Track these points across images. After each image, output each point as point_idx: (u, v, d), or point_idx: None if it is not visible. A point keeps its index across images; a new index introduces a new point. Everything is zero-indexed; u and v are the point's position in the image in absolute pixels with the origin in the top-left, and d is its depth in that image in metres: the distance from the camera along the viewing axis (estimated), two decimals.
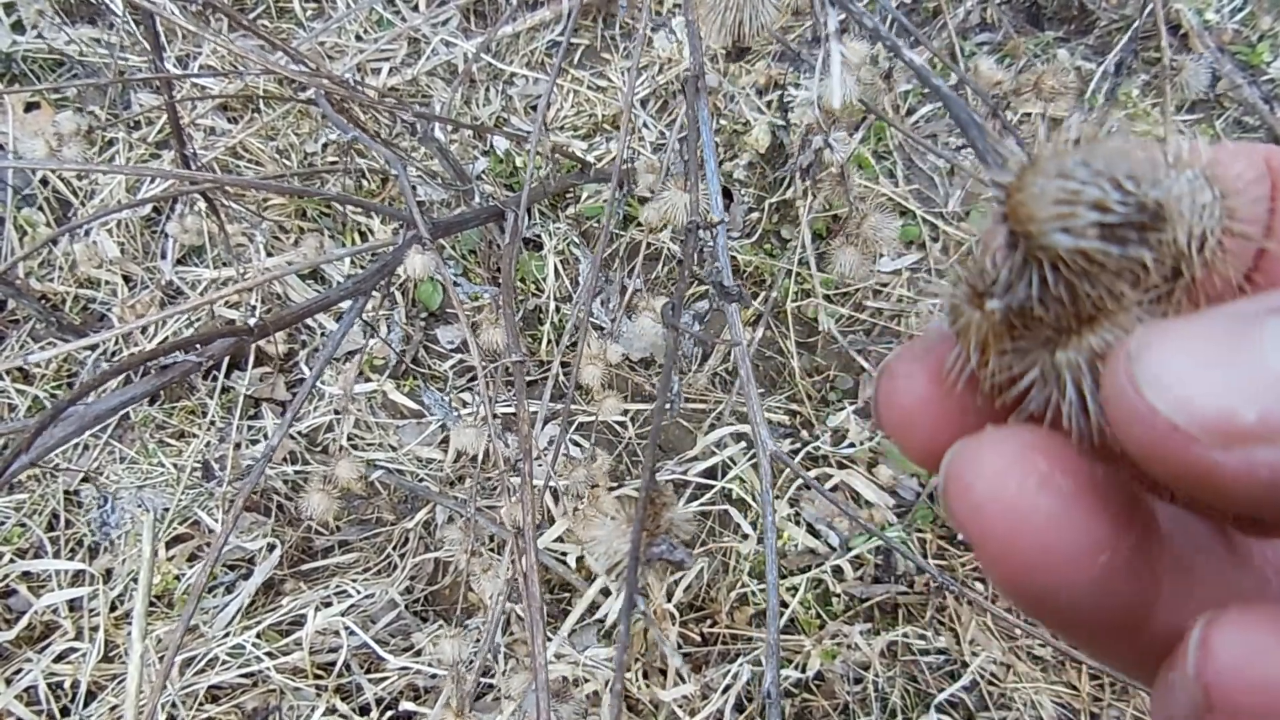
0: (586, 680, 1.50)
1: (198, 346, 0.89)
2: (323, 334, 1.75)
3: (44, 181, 1.80)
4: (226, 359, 1.69)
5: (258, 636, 1.53)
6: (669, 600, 1.56)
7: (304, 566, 1.63)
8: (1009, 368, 0.23)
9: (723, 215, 0.49)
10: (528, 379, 1.72)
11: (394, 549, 1.64)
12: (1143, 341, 0.20)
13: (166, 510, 1.61)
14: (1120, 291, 0.22)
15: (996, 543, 0.22)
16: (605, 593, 1.55)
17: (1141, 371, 0.20)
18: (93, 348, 1.70)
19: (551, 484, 1.55)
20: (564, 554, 1.57)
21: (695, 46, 0.59)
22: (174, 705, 1.48)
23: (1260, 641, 0.20)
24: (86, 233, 1.77)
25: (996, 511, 0.22)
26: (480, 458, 1.22)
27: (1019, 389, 0.24)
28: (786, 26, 1.83)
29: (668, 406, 1.53)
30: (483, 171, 1.85)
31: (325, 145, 1.85)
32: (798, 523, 1.63)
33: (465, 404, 1.71)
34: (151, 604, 1.55)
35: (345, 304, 1.04)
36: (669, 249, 1.77)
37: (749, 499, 1.64)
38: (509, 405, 1.63)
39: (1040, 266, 0.21)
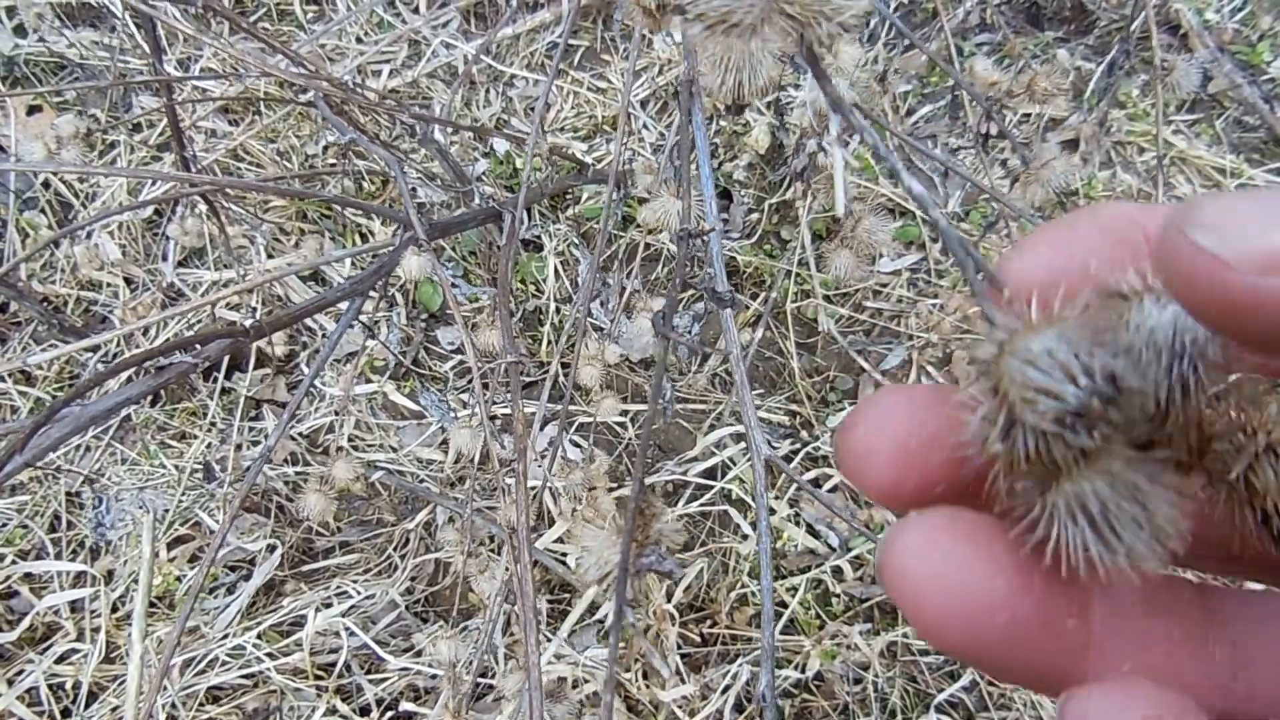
0: (586, 681, 1.50)
1: (197, 346, 0.89)
2: (323, 335, 1.76)
3: (46, 184, 1.81)
4: (227, 360, 1.70)
5: (258, 637, 1.53)
6: (669, 600, 1.56)
7: (305, 567, 1.64)
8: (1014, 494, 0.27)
9: (716, 223, 0.49)
10: (529, 380, 1.73)
11: (394, 550, 1.65)
12: (1193, 202, 0.23)
13: (167, 511, 1.62)
14: (1102, 443, 0.24)
15: (915, 610, 0.26)
16: (633, 605, 1.55)
17: (1191, 220, 0.22)
18: (94, 349, 1.71)
19: (550, 485, 1.56)
20: (563, 555, 1.57)
21: (691, 52, 0.59)
22: (174, 706, 1.48)
23: (1103, 712, 0.24)
24: (88, 235, 1.77)
25: (911, 584, 0.26)
26: (479, 458, 1.22)
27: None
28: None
29: (661, 410, 1.54)
30: (483, 173, 1.85)
31: (326, 147, 1.85)
32: (797, 523, 1.63)
33: (465, 405, 1.71)
34: (153, 605, 1.55)
35: (344, 305, 1.04)
36: (668, 249, 1.77)
37: (749, 499, 1.64)
38: (507, 406, 1.63)
39: (1022, 430, 0.24)
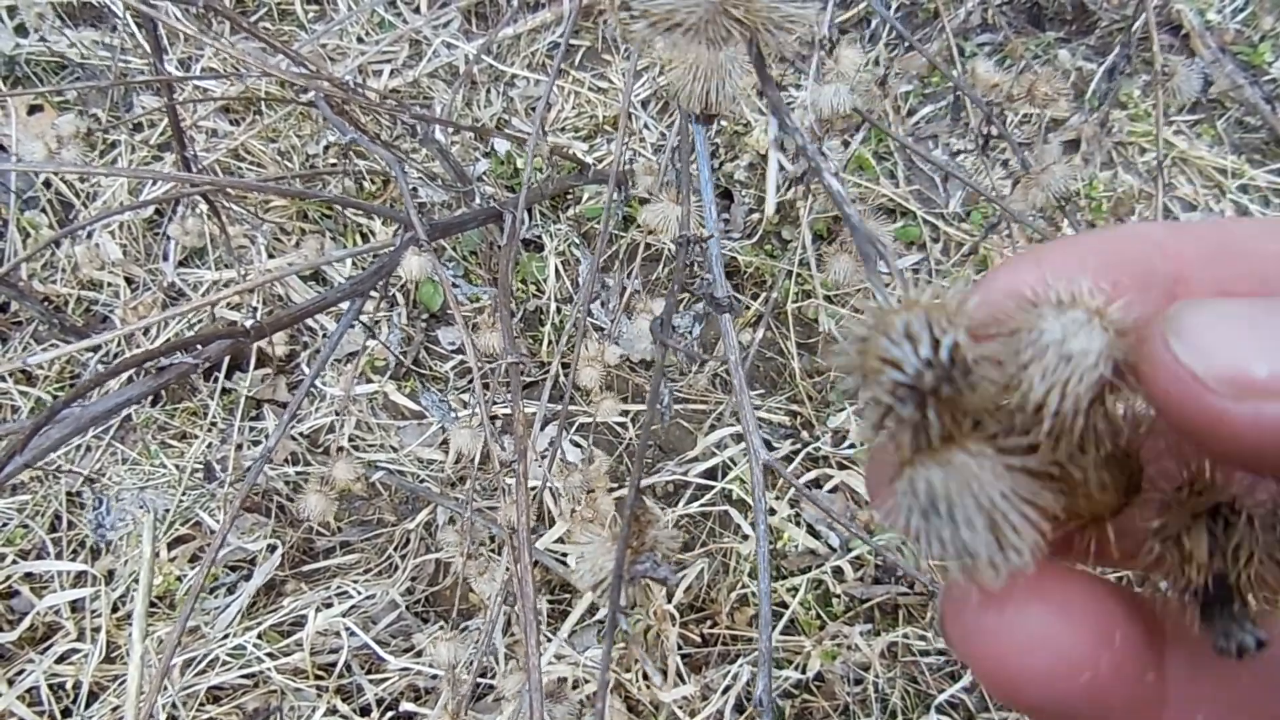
0: (587, 681, 1.50)
1: (198, 346, 0.89)
2: (324, 335, 1.76)
3: (47, 184, 1.81)
4: (227, 360, 1.70)
5: (259, 637, 1.53)
6: (669, 601, 1.56)
7: (305, 567, 1.64)
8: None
9: (715, 229, 0.49)
10: (529, 380, 1.73)
11: (395, 550, 1.65)
12: (1180, 307, 0.23)
13: (168, 511, 1.62)
14: (951, 430, 0.24)
15: (987, 669, 0.25)
16: (626, 612, 1.55)
17: (1173, 328, 0.22)
18: (95, 349, 1.71)
19: (550, 485, 1.56)
20: (564, 555, 1.57)
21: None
22: (175, 706, 1.48)
23: None
24: (89, 235, 1.77)
25: (982, 642, 0.25)
26: (480, 459, 1.22)
27: None
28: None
29: (660, 416, 1.54)
30: (484, 173, 1.85)
31: (327, 147, 1.85)
32: (798, 523, 1.63)
33: (465, 405, 1.71)
34: (153, 605, 1.55)
35: (344, 305, 1.04)
36: (669, 249, 1.77)
37: (749, 500, 1.64)
38: (507, 406, 1.63)
39: (871, 404, 0.24)
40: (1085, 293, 0.24)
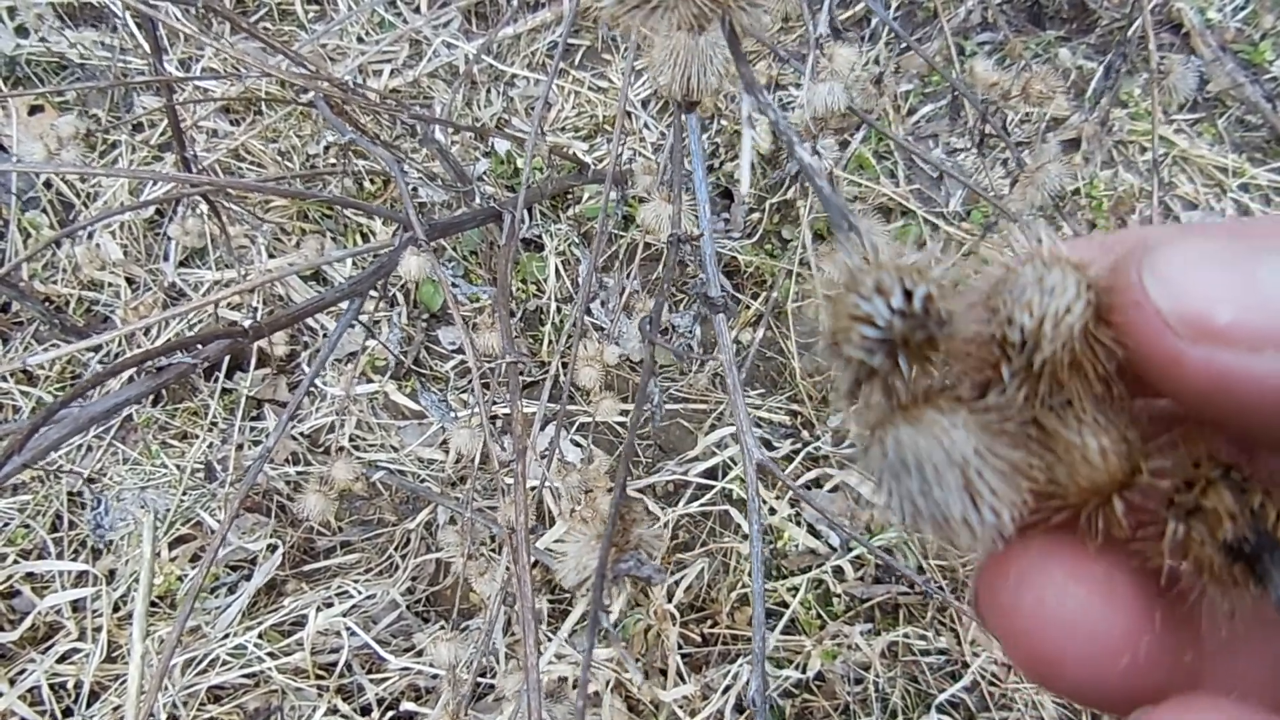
0: (588, 681, 1.50)
1: (198, 346, 0.89)
2: (324, 335, 1.76)
3: (47, 184, 1.81)
4: (228, 360, 1.70)
5: (259, 637, 1.53)
6: (669, 600, 1.56)
7: (306, 567, 1.64)
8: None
9: (708, 228, 0.49)
10: (529, 380, 1.73)
11: (395, 550, 1.65)
12: (1159, 238, 0.22)
13: (168, 511, 1.62)
14: (925, 391, 0.23)
15: (1022, 650, 0.24)
16: (606, 610, 1.55)
17: (1149, 261, 0.21)
18: (96, 349, 1.71)
19: (550, 485, 1.56)
20: (565, 555, 1.57)
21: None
22: (176, 705, 1.48)
23: None
24: (90, 235, 1.78)
25: (1018, 621, 0.24)
26: (480, 458, 1.22)
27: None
28: (788, 27, 1.83)
29: (651, 415, 1.54)
30: (484, 173, 1.85)
31: (327, 147, 1.85)
32: (799, 523, 1.63)
33: (466, 405, 1.71)
34: (154, 605, 1.56)
35: (344, 305, 1.04)
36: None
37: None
38: (508, 406, 1.63)
39: (843, 362, 0.23)
40: (1056, 249, 0.23)
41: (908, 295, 0.22)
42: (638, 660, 1.52)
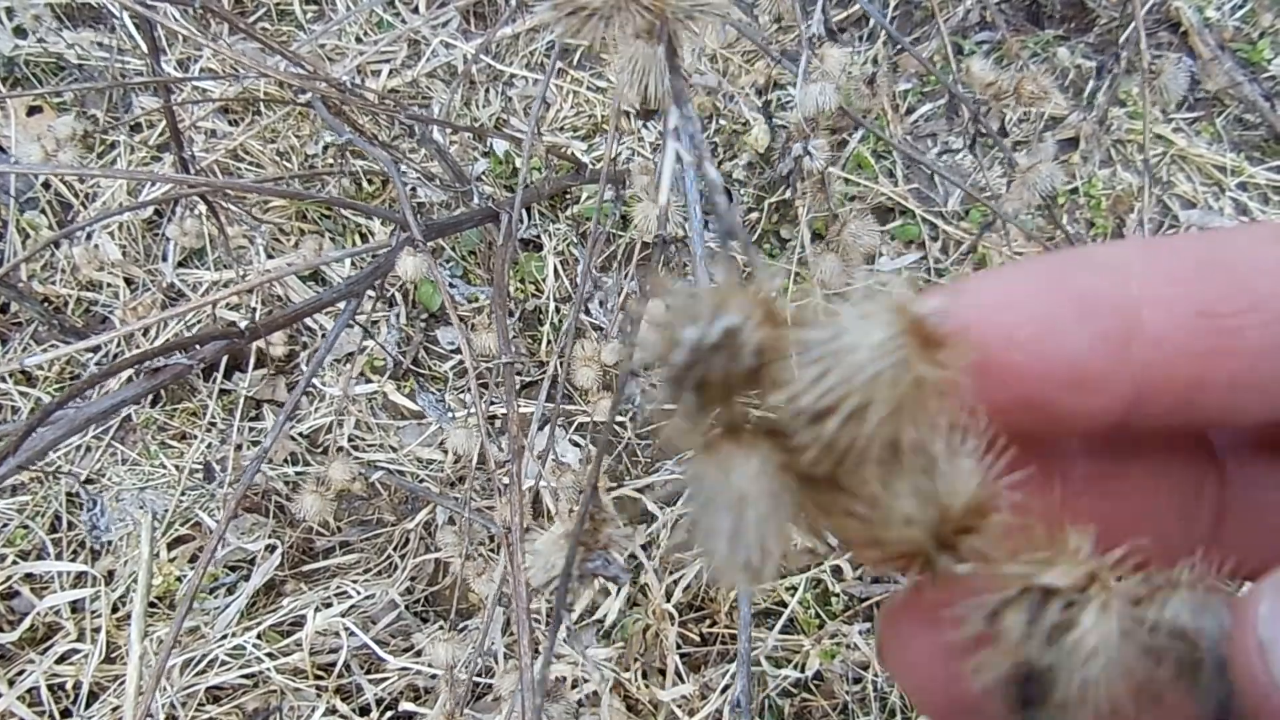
0: (586, 680, 1.50)
1: (196, 346, 0.89)
2: (323, 336, 1.76)
3: (46, 185, 1.81)
4: (226, 360, 1.70)
5: (258, 637, 1.53)
6: (668, 600, 1.56)
7: (305, 567, 1.64)
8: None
9: (698, 229, 0.49)
10: (528, 380, 1.73)
11: (394, 550, 1.65)
12: (1273, 628, 0.21)
13: (167, 511, 1.62)
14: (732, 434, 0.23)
15: (911, 694, 0.26)
16: (604, 592, 1.55)
17: (1268, 635, 0.21)
18: (94, 350, 1.71)
19: (547, 485, 1.56)
20: (534, 554, 1.57)
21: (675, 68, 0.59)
22: (175, 706, 1.48)
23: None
24: (88, 236, 1.78)
25: (901, 667, 0.26)
26: (478, 459, 1.22)
27: None
28: (786, 27, 1.83)
29: (632, 415, 1.54)
30: (483, 173, 1.85)
31: (326, 147, 1.85)
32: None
33: (464, 405, 1.71)
34: (154, 605, 1.56)
35: (342, 305, 1.04)
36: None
37: None
38: (505, 406, 1.63)
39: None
40: (896, 296, 0.22)
41: (701, 335, 0.21)
42: (637, 659, 1.52)
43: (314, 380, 1.71)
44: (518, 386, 1.71)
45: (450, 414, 1.65)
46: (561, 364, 0.94)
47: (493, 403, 1.61)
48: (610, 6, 0.27)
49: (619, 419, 1.70)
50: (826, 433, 0.21)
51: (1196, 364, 0.24)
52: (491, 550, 1.56)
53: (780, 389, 0.22)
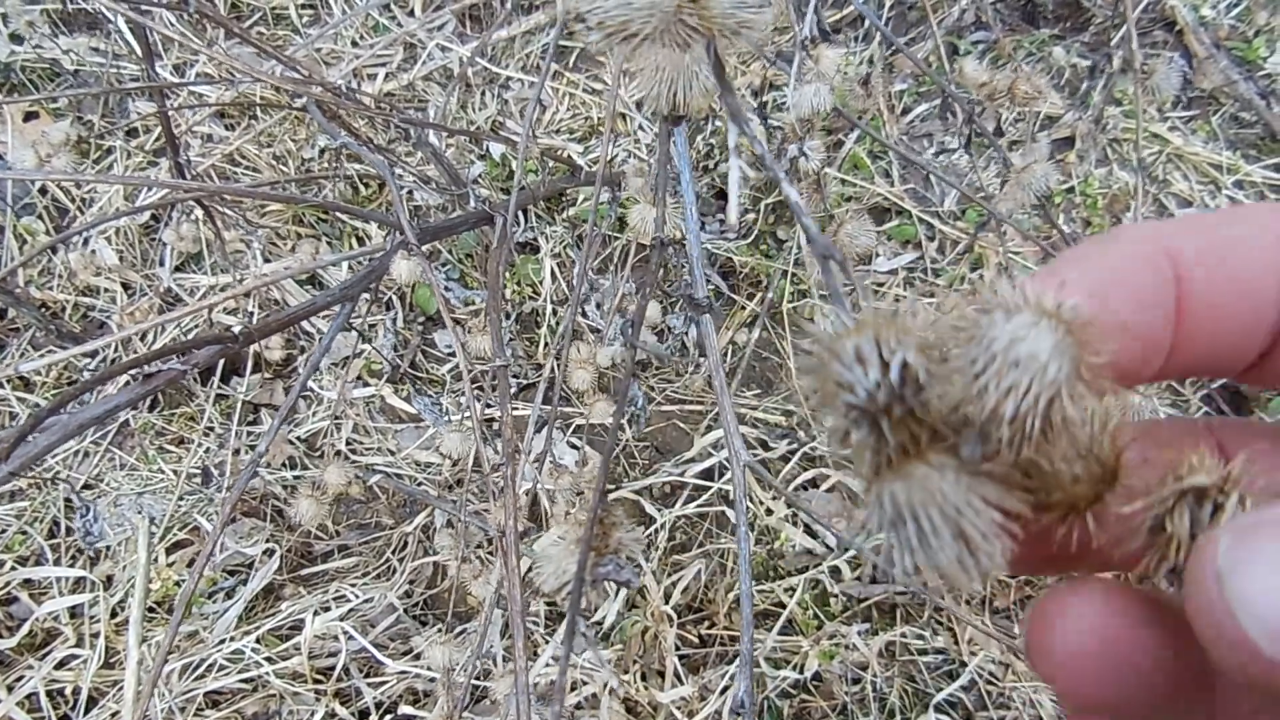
0: (584, 683, 1.50)
1: (192, 351, 0.89)
2: (320, 339, 1.76)
3: (43, 190, 1.81)
4: (223, 365, 1.70)
5: (257, 641, 1.53)
6: (667, 602, 1.56)
7: (303, 571, 1.64)
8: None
9: (694, 231, 0.49)
10: (525, 383, 1.73)
11: (393, 553, 1.65)
12: (1231, 559, 0.22)
13: (165, 516, 1.62)
14: (910, 446, 0.24)
15: (1060, 685, 0.26)
16: (586, 615, 1.55)
17: (1232, 592, 0.22)
18: (92, 355, 1.71)
19: (544, 488, 1.56)
20: (545, 560, 1.57)
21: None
22: (174, 711, 1.48)
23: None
24: (85, 241, 1.78)
25: (1059, 660, 0.26)
26: (474, 462, 1.22)
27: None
28: (781, 28, 1.83)
29: (634, 419, 1.54)
30: (479, 176, 1.85)
31: (322, 151, 1.85)
32: (795, 523, 1.63)
33: (460, 407, 1.71)
34: (152, 610, 1.56)
35: (337, 309, 1.04)
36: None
37: (747, 500, 1.64)
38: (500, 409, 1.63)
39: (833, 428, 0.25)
40: (1034, 295, 0.24)
41: (885, 366, 0.23)
42: (636, 661, 1.52)
43: (311, 384, 1.71)
44: (515, 389, 1.71)
45: (447, 417, 1.65)
46: (558, 366, 0.94)
47: (489, 406, 1.61)
48: (659, 31, 0.28)
49: (612, 422, 1.69)
50: (1029, 430, 0.23)
51: None
52: (489, 553, 1.56)
53: (957, 402, 0.24)
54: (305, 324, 1.75)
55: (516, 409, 1.65)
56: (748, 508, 1.67)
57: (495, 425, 1.69)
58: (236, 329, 0.81)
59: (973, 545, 0.23)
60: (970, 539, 0.23)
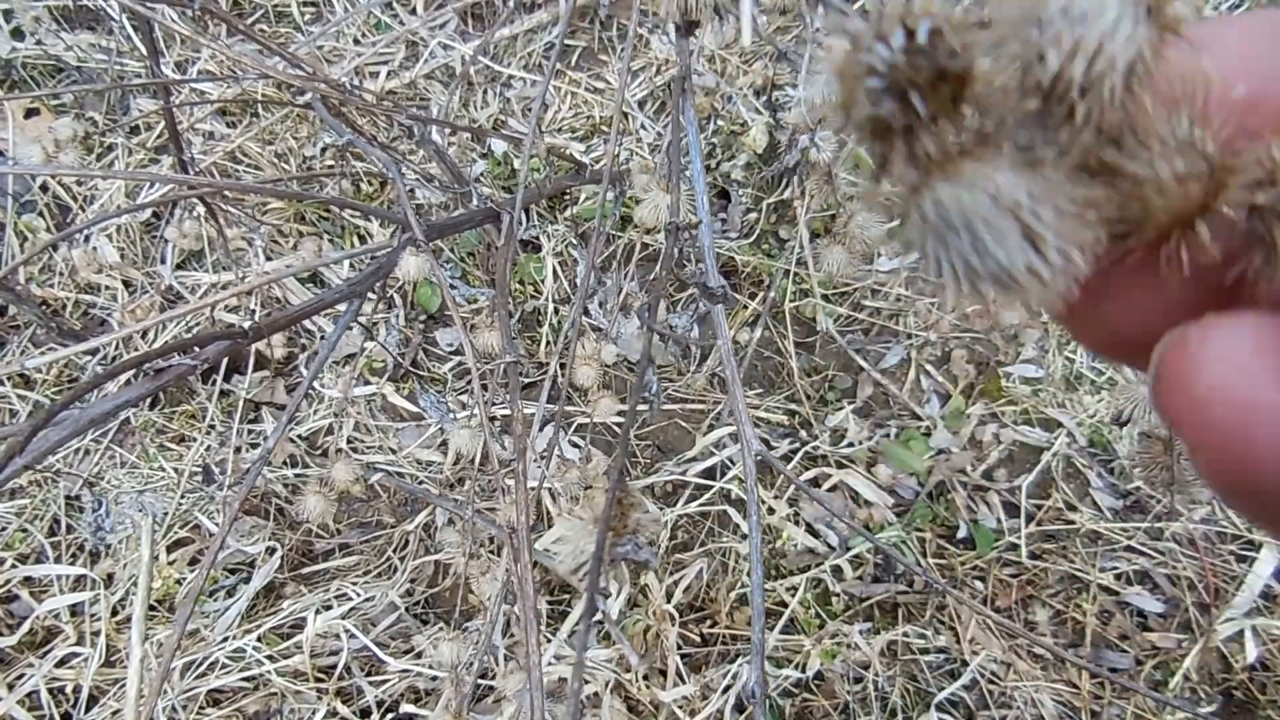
0: (588, 681, 1.50)
1: (197, 348, 0.89)
2: (322, 337, 1.76)
3: (44, 187, 1.81)
4: (225, 363, 1.70)
5: (258, 640, 1.53)
6: (669, 601, 1.56)
7: (304, 570, 1.64)
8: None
9: (706, 216, 0.49)
10: (528, 381, 1.73)
11: (394, 551, 1.65)
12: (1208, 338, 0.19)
13: (166, 514, 1.62)
14: (964, 143, 0.20)
15: (1221, 440, 0.20)
16: (604, 594, 1.55)
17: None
18: (93, 352, 1.71)
19: (549, 485, 1.56)
20: (563, 540, 1.57)
21: (682, 49, 0.59)
22: (175, 709, 1.48)
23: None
24: (86, 238, 1.77)
25: (1223, 408, 0.20)
26: (478, 459, 1.22)
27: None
28: (782, 27, 1.83)
29: (648, 405, 1.54)
30: (481, 174, 1.85)
31: (324, 149, 1.85)
32: (797, 522, 1.63)
33: (464, 406, 1.71)
34: (153, 608, 1.55)
35: (341, 307, 1.04)
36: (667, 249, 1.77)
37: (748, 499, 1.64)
38: (506, 407, 1.63)
39: (853, 114, 0.20)
40: None
41: (910, 33, 0.19)
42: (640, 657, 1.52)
43: (313, 382, 1.71)
44: (519, 386, 1.71)
45: (452, 415, 1.65)
46: (564, 364, 0.94)
47: (493, 403, 1.61)
48: None
49: (616, 420, 1.69)
50: (1108, 97, 0.19)
51: None
52: (491, 552, 1.56)
53: (1004, 77, 0.19)
54: (306, 322, 1.75)
55: (521, 406, 1.65)
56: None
57: (497, 423, 1.69)
58: (245, 325, 0.81)
59: (1044, 245, 0.19)
60: (1040, 237, 0.19)
